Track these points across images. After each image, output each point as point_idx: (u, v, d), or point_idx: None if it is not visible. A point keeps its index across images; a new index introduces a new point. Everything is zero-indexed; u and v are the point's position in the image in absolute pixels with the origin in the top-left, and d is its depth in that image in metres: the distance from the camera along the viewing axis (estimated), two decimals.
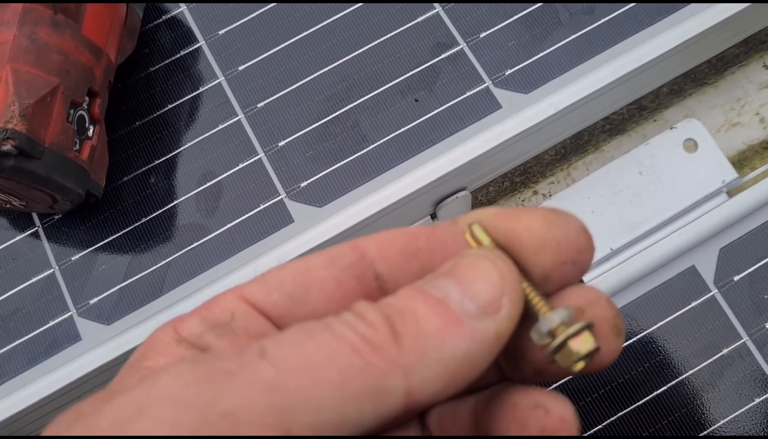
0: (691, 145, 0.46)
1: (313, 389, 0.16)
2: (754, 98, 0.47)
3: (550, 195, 0.46)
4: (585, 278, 0.42)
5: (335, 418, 0.16)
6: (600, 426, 0.37)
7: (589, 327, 0.18)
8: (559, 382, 0.37)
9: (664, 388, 0.37)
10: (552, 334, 0.18)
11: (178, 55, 0.43)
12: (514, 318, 0.18)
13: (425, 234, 0.20)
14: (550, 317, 0.18)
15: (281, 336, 0.17)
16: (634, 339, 0.37)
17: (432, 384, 0.17)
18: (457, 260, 0.18)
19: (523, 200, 0.46)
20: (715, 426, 0.36)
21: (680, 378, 0.37)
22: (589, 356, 0.18)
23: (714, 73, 0.47)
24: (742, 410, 0.36)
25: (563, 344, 0.18)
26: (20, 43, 0.34)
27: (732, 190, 0.44)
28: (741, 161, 0.46)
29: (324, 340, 0.16)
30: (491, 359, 0.18)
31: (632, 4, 0.41)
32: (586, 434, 0.37)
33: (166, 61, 0.43)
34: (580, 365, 0.18)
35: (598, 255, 0.43)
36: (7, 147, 0.32)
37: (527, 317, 0.19)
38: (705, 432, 0.36)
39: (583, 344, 0.18)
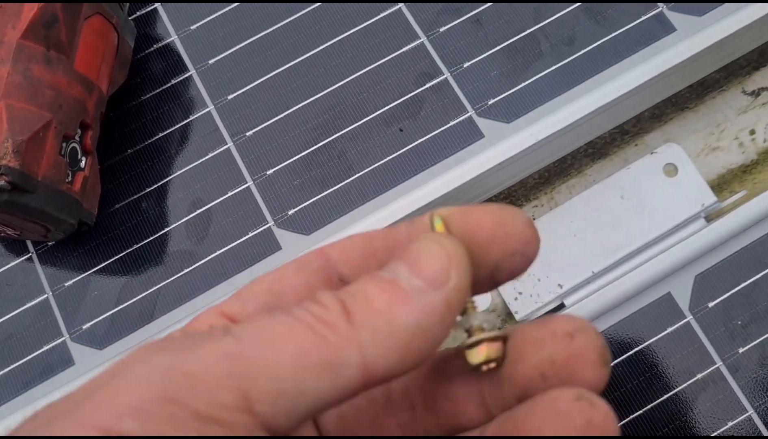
0: (671, 169, 0.47)
1: (271, 358, 0.17)
2: (733, 123, 0.48)
3: (534, 218, 0.47)
4: (567, 303, 0.43)
5: (293, 388, 0.17)
6: None
7: (503, 339, 0.20)
8: None
9: (640, 412, 0.38)
10: (469, 331, 0.20)
11: (169, 84, 0.44)
12: (462, 288, 0.19)
13: (382, 235, 0.22)
14: (474, 316, 0.20)
15: (245, 323, 0.18)
16: (611, 364, 0.39)
17: (386, 357, 0.18)
18: (407, 245, 0.20)
19: None
20: None
21: (656, 402, 0.38)
22: (490, 362, 0.20)
23: (695, 98, 0.49)
24: (716, 433, 0.38)
25: (475, 343, 0.19)
26: (14, 79, 0.35)
27: (711, 215, 0.45)
28: (720, 185, 0.47)
29: (283, 320, 0.18)
30: (444, 330, 0.19)
31: (612, 35, 0.42)
32: None
33: (158, 90, 0.44)
34: (480, 367, 0.20)
35: (579, 277, 0.44)
36: (1, 183, 0.33)
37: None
38: None
39: (493, 350, 0.19)
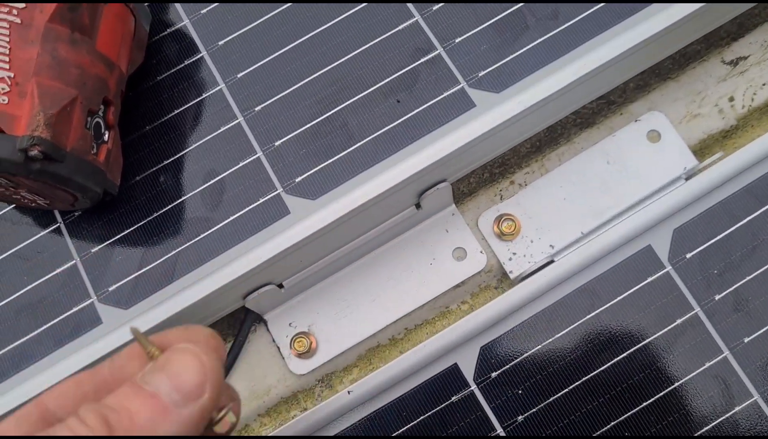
0: (654, 135, 0.50)
1: None
2: (713, 91, 0.51)
3: (526, 184, 0.50)
4: (557, 260, 0.46)
5: None
6: (557, 395, 0.41)
7: (229, 409, 0.25)
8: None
9: (623, 355, 0.41)
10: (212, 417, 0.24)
11: (182, 65, 0.47)
12: (215, 398, 0.23)
13: (89, 377, 0.25)
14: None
15: None
16: (595, 313, 0.42)
17: None
18: (169, 354, 0.23)
19: (500, 189, 0.50)
20: (670, 388, 0.40)
21: (638, 346, 0.41)
22: (232, 427, 0.25)
23: (677, 68, 0.51)
24: (694, 373, 0.41)
25: (219, 420, 0.24)
26: (43, 59, 0.38)
27: (690, 178, 0.48)
28: (702, 150, 0.50)
29: None
30: (198, 432, 0.22)
31: (596, 7, 0.44)
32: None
33: (172, 71, 0.47)
34: (227, 431, 0.25)
35: (569, 238, 0.47)
36: (34, 152, 0.37)
37: None
38: (660, 394, 0.40)
39: (232, 417, 0.25)
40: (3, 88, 0.37)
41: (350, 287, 0.48)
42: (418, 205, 0.47)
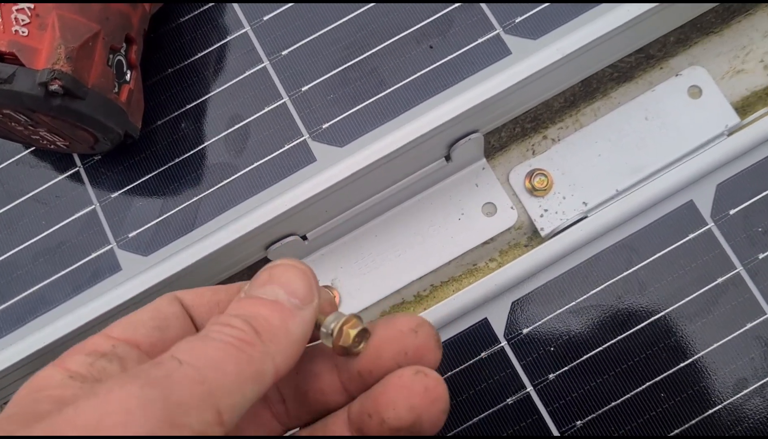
0: (695, 91, 0.48)
1: (223, 379, 0.21)
2: (758, 46, 0.48)
3: (559, 140, 0.48)
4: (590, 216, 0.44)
5: (240, 397, 0.22)
6: (593, 352, 0.39)
7: (355, 317, 0.26)
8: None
9: (660, 315, 0.39)
10: (332, 331, 0.26)
11: (206, 6, 0.45)
12: (319, 303, 0.25)
13: (224, 290, 0.28)
14: (327, 320, 0.26)
15: (182, 348, 0.22)
16: (633, 269, 0.40)
17: (287, 360, 0.24)
18: (271, 271, 0.26)
19: (533, 144, 0.48)
20: (709, 349, 0.39)
21: (676, 305, 0.39)
22: (359, 335, 0.26)
23: (720, 22, 0.49)
24: (735, 334, 0.39)
25: (340, 331, 0.26)
26: None
27: (732, 134, 0.46)
28: (744, 107, 0.48)
29: (215, 345, 0.22)
30: (310, 333, 0.25)
31: None
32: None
33: (195, 13, 0.45)
34: (357, 345, 0.26)
35: (604, 195, 0.46)
36: (54, 87, 0.35)
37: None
38: (698, 355, 0.39)
39: (351, 328, 0.26)
40: (23, 20, 0.36)
41: (375, 242, 0.47)
42: (448, 158, 0.45)
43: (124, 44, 0.40)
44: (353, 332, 0.26)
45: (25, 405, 0.22)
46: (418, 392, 0.24)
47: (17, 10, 0.36)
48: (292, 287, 0.25)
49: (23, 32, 0.36)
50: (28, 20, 0.36)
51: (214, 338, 0.23)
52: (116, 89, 0.39)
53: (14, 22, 0.35)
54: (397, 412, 0.24)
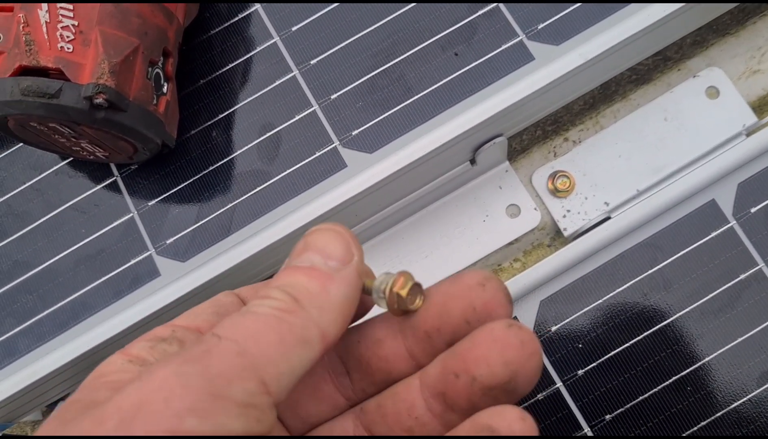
0: (713, 92, 0.49)
1: (266, 349, 0.21)
2: None
3: (580, 141, 0.49)
4: (613, 216, 0.46)
5: (286, 365, 0.22)
6: (620, 348, 0.40)
7: (405, 274, 0.25)
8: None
9: (685, 311, 0.41)
10: (384, 290, 0.25)
11: (235, 19, 0.47)
12: (362, 259, 0.25)
13: (264, 284, 0.27)
14: (376, 282, 0.25)
15: (223, 325, 0.22)
16: (658, 267, 0.41)
17: (333, 324, 0.23)
18: (306, 239, 0.25)
19: (554, 147, 0.49)
20: (732, 344, 0.40)
21: (700, 301, 0.41)
22: (412, 290, 0.25)
23: (735, 23, 0.50)
24: (758, 329, 0.40)
25: (391, 290, 0.25)
26: (106, 8, 0.38)
27: (751, 134, 0.47)
28: (761, 106, 0.49)
29: (254, 317, 0.22)
30: (358, 294, 0.24)
31: None
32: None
33: (225, 25, 0.47)
34: (413, 300, 0.25)
35: (625, 195, 0.47)
36: (99, 100, 0.37)
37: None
38: (723, 349, 0.40)
39: (402, 285, 0.25)
40: (68, 36, 0.37)
41: (403, 244, 0.48)
42: (472, 161, 0.46)
43: (162, 57, 0.41)
44: (406, 288, 0.25)
45: (86, 393, 0.23)
46: (514, 345, 0.22)
47: (62, 28, 0.37)
48: (328, 250, 0.24)
49: (68, 48, 0.37)
50: (72, 37, 0.37)
51: (253, 311, 0.23)
52: (155, 101, 0.40)
53: (60, 39, 0.37)
54: (490, 368, 0.22)
